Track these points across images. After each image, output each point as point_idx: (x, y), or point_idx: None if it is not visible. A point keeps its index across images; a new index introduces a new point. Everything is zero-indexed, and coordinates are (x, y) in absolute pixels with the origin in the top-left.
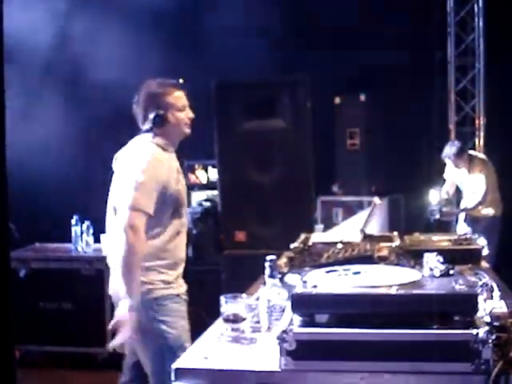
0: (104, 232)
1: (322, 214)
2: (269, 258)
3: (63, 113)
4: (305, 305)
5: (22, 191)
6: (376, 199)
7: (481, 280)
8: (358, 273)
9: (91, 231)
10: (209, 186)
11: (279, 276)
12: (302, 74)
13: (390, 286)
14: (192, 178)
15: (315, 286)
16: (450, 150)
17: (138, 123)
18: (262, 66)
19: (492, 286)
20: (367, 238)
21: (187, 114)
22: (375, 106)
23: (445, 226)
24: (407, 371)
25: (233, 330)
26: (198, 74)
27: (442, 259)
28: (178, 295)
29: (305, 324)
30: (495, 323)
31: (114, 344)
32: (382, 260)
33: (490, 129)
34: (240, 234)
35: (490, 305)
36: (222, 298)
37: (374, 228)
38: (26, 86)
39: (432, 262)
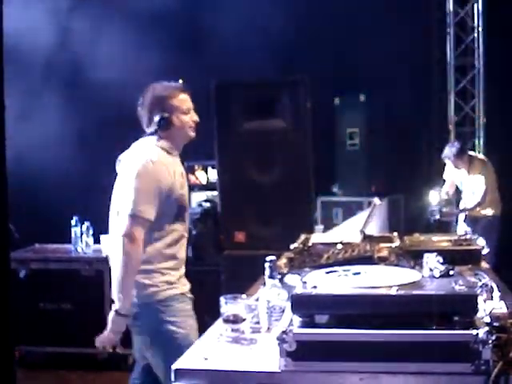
0: (104, 233)
1: (321, 214)
2: (268, 258)
3: (63, 114)
4: (305, 305)
5: (22, 192)
6: (376, 200)
7: (481, 280)
8: (358, 273)
9: (91, 232)
10: (208, 186)
11: (279, 277)
12: (301, 74)
13: (390, 287)
14: (192, 178)
15: (315, 287)
16: (449, 150)
17: (143, 125)
18: (262, 66)
19: (492, 287)
20: (367, 238)
21: (192, 117)
22: (375, 106)
23: (445, 226)
24: (407, 372)
25: (233, 330)
26: (198, 73)
27: (441, 260)
28: (182, 294)
29: (305, 325)
30: (495, 324)
31: (96, 343)
32: (382, 260)
33: (489, 129)
34: (240, 234)
35: (489, 305)
36: (222, 299)
37: (374, 228)
38: (25, 87)
39: (432, 262)
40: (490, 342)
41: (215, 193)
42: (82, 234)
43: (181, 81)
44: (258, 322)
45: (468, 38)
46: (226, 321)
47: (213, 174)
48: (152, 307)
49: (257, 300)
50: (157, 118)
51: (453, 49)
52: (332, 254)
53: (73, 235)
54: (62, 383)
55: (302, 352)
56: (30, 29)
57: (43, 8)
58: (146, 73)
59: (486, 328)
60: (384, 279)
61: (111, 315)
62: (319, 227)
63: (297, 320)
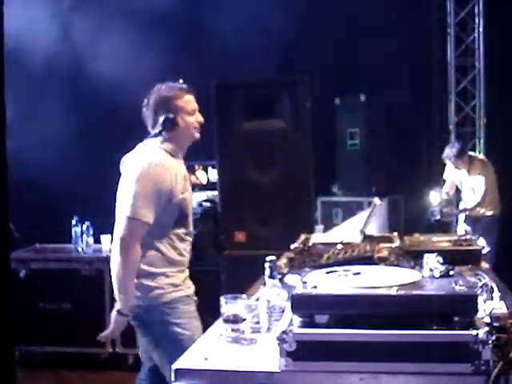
0: (104, 233)
1: (321, 214)
2: (269, 258)
3: (64, 114)
4: (305, 305)
5: (23, 192)
6: (376, 200)
7: (481, 281)
8: (358, 273)
9: (91, 232)
10: (208, 186)
11: (279, 277)
12: (301, 74)
13: (390, 287)
14: (192, 178)
15: (315, 287)
16: (450, 151)
17: (148, 126)
18: (262, 66)
19: (492, 287)
20: (367, 238)
21: (197, 118)
22: (375, 106)
23: (445, 226)
24: (407, 372)
25: (233, 330)
26: (198, 73)
27: (441, 260)
28: (187, 296)
29: (305, 325)
30: (495, 324)
31: (100, 337)
32: (382, 261)
33: (490, 129)
34: (240, 234)
35: (489, 305)
36: (222, 299)
37: (374, 229)
38: (26, 88)
39: (432, 262)
40: (490, 342)
41: (215, 193)
42: (82, 233)
43: (181, 81)
44: (258, 322)
45: (468, 39)
46: (226, 321)
47: (213, 174)
48: (158, 309)
49: (257, 300)
50: (161, 119)
51: (453, 49)
52: (332, 254)
53: (73, 235)
54: (62, 383)
55: (302, 352)
56: (30, 29)
57: (44, 8)
58: (147, 73)
59: (486, 328)
60: (384, 279)
61: (114, 314)
62: (319, 227)
63: (297, 320)
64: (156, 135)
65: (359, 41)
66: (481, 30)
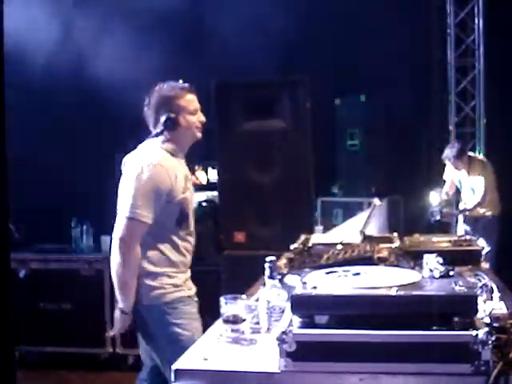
0: (103, 233)
1: (321, 214)
2: (268, 258)
3: (63, 114)
4: (304, 306)
5: (22, 192)
6: (376, 200)
7: (480, 281)
8: (358, 274)
9: (91, 232)
10: (208, 186)
11: (279, 277)
12: (301, 74)
13: (390, 287)
14: (192, 178)
15: (315, 287)
16: (449, 151)
17: (149, 126)
18: (262, 66)
19: (492, 287)
20: (367, 239)
21: (199, 118)
22: (375, 106)
23: (445, 226)
24: (407, 372)
25: (232, 330)
26: (198, 74)
27: (441, 260)
28: (188, 297)
29: (304, 325)
30: (495, 324)
31: (110, 334)
32: (382, 261)
33: (489, 129)
34: (239, 234)
35: (489, 306)
36: (222, 299)
37: (374, 229)
38: (26, 88)
39: (432, 263)
40: (490, 342)
41: (215, 193)
42: (81, 234)
43: (181, 81)
44: (257, 323)
45: (468, 39)
46: (226, 321)
47: (213, 174)
48: (158, 309)
49: (257, 300)
50: (163, 119)
51: (453, 49)
52: (332, 255)
53: (73, 235)
54: (62, 383)
55: (302, 352)
56: (30, 29)
57: (44, 7)
58: (147, 73)
59: (486, 329)
60: (384, 280)
61: (117, 314)
62: (319, 228)
63: (296, 320)
64: (157, 135)
65: (359, 41)
66: (481, 30)
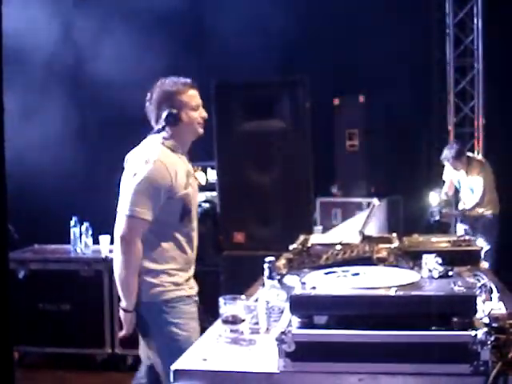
0: (103, 233)
1: (321, 215)
2: (267, 259)
3: (63, 114)
4: (303, 306)
5: (22, 192)
6: (375, 200)
7: (479, 281)
8: (357, 274)
9: (90, 232)
10: (208, 187)
11: (278, 277)
12: (301, 75)
13: (389, 288)
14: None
15: (314, 288)
16: (448, 152)
17: (151, 121)
18: (262, 66)
19: (491, 288)
20: (366, 239)
21: (200, 114)
22: (374, 106)
23: (445, 227)
24: (406, 372)
25: (232, 331)
26: (198, 74)
27: (440, 260)
28: (188, 297)
29: (303, 325)
30: (494, 324)
31: (120, 336)
32: (381, 261)
33: (489, 130)
34: (239, 235)
35: (488, 306)
36: (221, 300)
37: (373, 229)
38: (26, 88)
39: (431, 263)
40: (489, 342)
41: (214, 193)
42: (81, 234)
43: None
44: (257, 323)
45: (467, 39)
46: (225, 321)
47: (212, 175)
48: (157, 307)
49: (256, 301)
50: (165, 114)
51: (452, 49)
52: (331, 255)
53: (72, 236)
54: (61, 383)
55: (301, 353)
56: (31, 28)
57: (44, 7)
58: (147, 73)
59: (485, 329)
60: (383, 280)
61: (121, 314)
62: (318, 228)
63: (296, 321)
64: (159, 130)
65: (359, 41)
66: (480, 30)
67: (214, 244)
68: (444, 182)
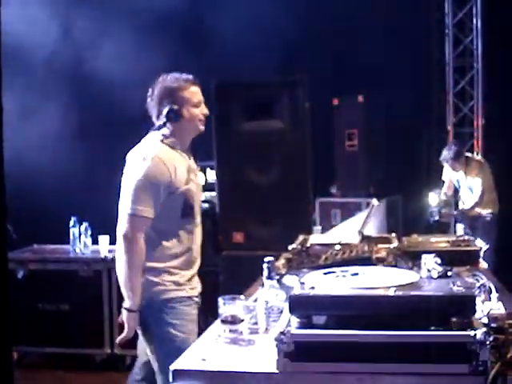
0: (102, 233)
1: (320, 215)
2: (267, 259)
3: (62, 113)
4: (303, 306)
5: (21, 192)
6: (374, 200)
7: (478, 281)
8: (356, 274)
9: (89, 233)
10: (207, 187)
11: (277, 277)
12: (301, 75)
13: (388, 288)
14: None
15: (313, 288)
16: (447, 153)
17: (152, 118)
18: (262, 66)
19: (490, 288)
20: (365, 239)
21: (202, 110)
22: (373, 107)
23: (444, 227)
24: (405, 372)
25: (231, 331)
26: (197, 73)
27: (439, 261)
28: (189, 298)
29: (302, 325)
30: (493, 325)
31: (117, 341)
32: (380, 261)
33: (488, 130)
34: (238, 235)
35: (487, 306)
36: (220, 300)
37: (372, 229)
38: (25, 87)
39: (430, 263)
40: (488, 342)
41: (213, 193)
42: (80, 234)
43: None
44: (256, 323)
45: (467, 39)
46: (224, 321)
47: (211, 175)
48: (156, 306)
49: (255, 301)
50: (166, 110)
51: (451, 49)
52: (330, 255)
53: (71, 236)
54: (60, 383)
55: (300, 353)
56: (30, 28)
57: (44, 7)
58: (146, 73)
59: (484, 329)
60: (382, 280)
61: (124, 314)
62: (317, 228)
63: (295, 321)
64: (160, 127)
65: (358, 41)
66: (479, 30)
67: (213, 244)
68: (443, 182)
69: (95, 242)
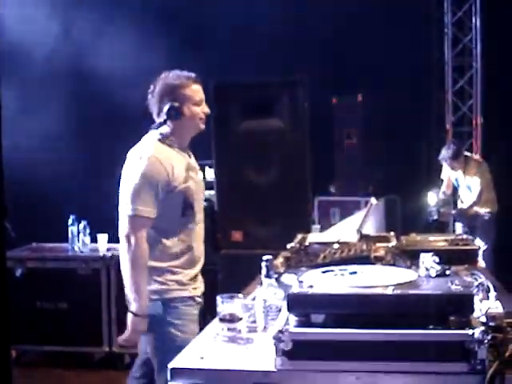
0: (101, 232)
1: (319, 214)
2: (265, 257)
3: (62, 112)
4: (301, 305)
5: (19, 190)
6: (373, 199)
7: (477, 280)
8: (355, 273)
9: (88, 231)
10: (206, 185)
11: (275, 276)
12: (300, 75)
13: (386, 286)
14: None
15: (311, 286)
16: (446, 152)
17: (153, 115)
18: (262, 66)
19: (488, 287)
20: (364, 238)
21: (203, 109)
22: (372, 106)
23: (443, 226)
24: (403, 371)
25: (229, 329)
26: (197, 73)
27: (438, 259)
28: (190, 298)
29: (301, 324)
30: (491, 323)
31: (119, 341)
32: (379, 260)
33: (487, 129)
34: (237, 233)
35: (485, 305)
36: (219, 298)
37: (371, 228)
38: (24, 86)
39: (428, 262)
40: (486, 341)
41: (212, 192)
42: (78, 232)
43: None
44: (254, 322)
45: (466, 38)
46: (223, 320)
47: (210, 174)
48: (158, 305)
49: (253, 299)
50: (166, 108)
51: (450, 49)
52: (328, 254)
53: (70, 234)
54: (59, 382)
55: (298, 351)
56: (30, 27)
57: (44, 6)
58: (146, 72)
59: (482, 328)
60: (380, 279)
61: (129, 317)
62: (316, 227)
63: (293, 319)
64: (161, 124)
65: (357, 40)
66: (478, 29)
67: (211, 242)
68: (442, 181)
69: (94, 240)
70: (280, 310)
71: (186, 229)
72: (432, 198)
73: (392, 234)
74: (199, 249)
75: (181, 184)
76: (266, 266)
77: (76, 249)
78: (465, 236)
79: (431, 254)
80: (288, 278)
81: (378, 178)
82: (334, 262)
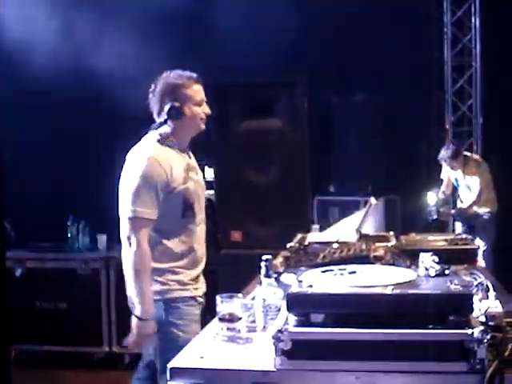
0: (100, 232)
1: (318, 213)
2: (265, 257)
3: (61, 112)
4: (300, 304)
5: (19, 190)
6: (372, 199)
7: (476, 280)
8: (354, 272)
9: (87, 231)
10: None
11: (275, 275)
12: (300, 75)
13: (386, 286)
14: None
15: (311, 286)
16: (445, 152)
17: (153, 114)
18: (262, 66)
19: (487, 286)
20: (363, 237)
21: (204, 109)
22: (372, 105)
23: (442, 226)
24: (402, 371)
25: (228, 329)
26: (197, 73)
27: (437, 259)
28: (192, 298)
29: (300, 324)
30: (490, 323)
31: (124, 343)
32: (378, 260)
33: (486, 128)
34: (236, 233)
35: (485, 304)
36: (218, 298)
37: (370, 228)
38: (25, 86)
39: (427, 261)
40: (485, 341)
41: (211, 192)
42: (78, 232)
43: None
44: (253, 321)
45: (465, 38)
46: (222, 319)
47: (209, 173)
48: (159, 305)
49: (253, 299)
50: (167, 107)
51: (450, 48)
52: (328, 253)
53: (69, 234)
54: (59, 382)
55: (298, 351)
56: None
57: (43, 5)
58: (146, 72)
59: (482, 327)
60: (380, 278)
61: (134, 321)
62: (315, 226)
63: (292, 319)
64: (161, 124)
65: (357, 40)
66: (477, 29)
67: (211, 242)
68: (442, 180)
69: (93, 240)
70: (279, 310)
71: (187, 230)
72: (432, 198)
73: (391, 233)
74: (201, 249)
75: (180, 185)
76: (266, 266)
77: (75, 249)
78: (464, 236)
79: (431, 253)
80: (287, 278)
81: (378, 177)
82: (334, 261)
